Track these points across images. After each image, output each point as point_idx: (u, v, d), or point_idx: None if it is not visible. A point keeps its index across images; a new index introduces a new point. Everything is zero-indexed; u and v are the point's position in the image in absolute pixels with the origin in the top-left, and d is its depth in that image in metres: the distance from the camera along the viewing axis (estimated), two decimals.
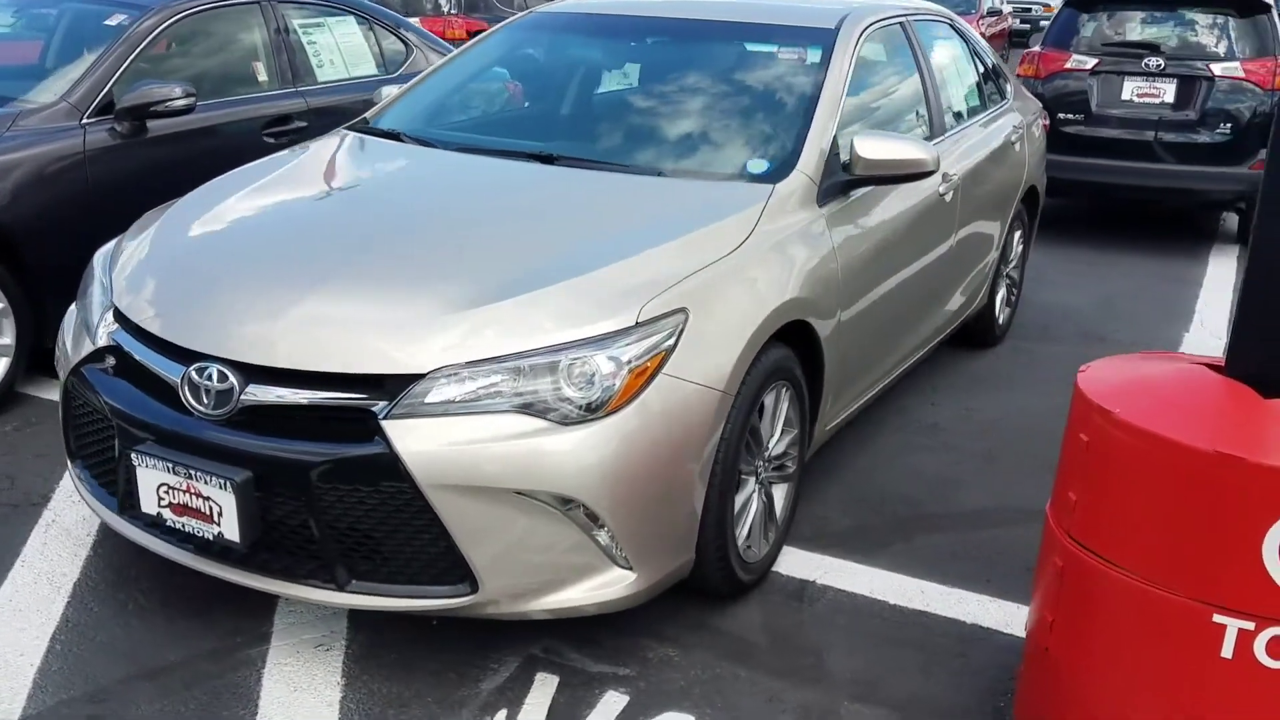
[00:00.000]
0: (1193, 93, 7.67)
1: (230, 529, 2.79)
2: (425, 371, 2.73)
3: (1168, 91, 7.73)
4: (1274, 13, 7.84)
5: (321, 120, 5.57)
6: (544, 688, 2.93)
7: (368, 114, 4.33)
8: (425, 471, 2.66)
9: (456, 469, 2.66)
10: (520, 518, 2.72)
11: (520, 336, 2.79)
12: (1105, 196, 8.06)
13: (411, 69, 6.30)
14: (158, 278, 3.18)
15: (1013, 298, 5.89)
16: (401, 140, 4.03)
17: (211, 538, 2.83)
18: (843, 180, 3.69)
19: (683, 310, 2.93)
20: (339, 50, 5.93)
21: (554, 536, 2.75)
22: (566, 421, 2.71)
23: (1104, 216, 8.73)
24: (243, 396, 2.79)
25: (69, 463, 3.33)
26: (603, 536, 2.78)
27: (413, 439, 2.67)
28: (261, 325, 2.86)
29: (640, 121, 3.93)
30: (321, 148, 4.05)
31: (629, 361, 2.78)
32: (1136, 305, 6.59)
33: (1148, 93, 7.76)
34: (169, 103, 4.72)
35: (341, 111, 5.71)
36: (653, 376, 2.82)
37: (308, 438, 2.76)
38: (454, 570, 2.76)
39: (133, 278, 3.21)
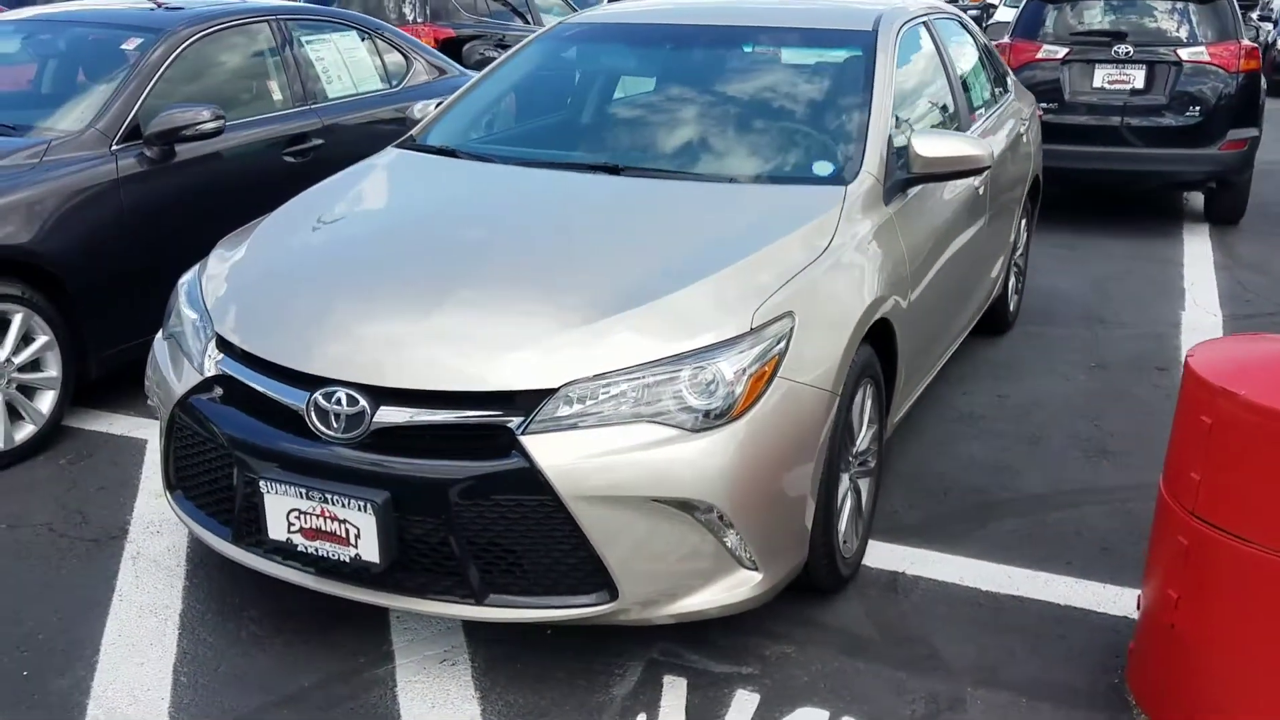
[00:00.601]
0: (1161, 78, 7.93)
1: (369, 550, 2.81)
2: (556, 386, 2.77)
3: (1137, 78, 7.97)
4: None
5: (336, 138, 5.56)
6: (675, 690, 2.99)
7: (414, 131, 4.33)
8: (565, 483, 2.71)
9: (594, 480, 2.72)
10: (654, 524, 2.77)
11: (641, 347, 2.84)
12: (1082, 182, 8.29)
13: (413, 81, 6.30)
14: (263, 303, 3.18)
15: (1020, 285, 6.06)
16: (457, 156, 4.05)
17: (348, 560, 2.85)
18: (903, 179, 3.79)
19: (790, 314, 3.00)
20: (345, 65, 5.91)
21: (686, 541, 2.81)
22: (694, 429, 2.77)
23: (1075, 201, 8.97)
24: (375, 419, 2.81)
25: (167, 494, 3.32)
26: (731, 539, 2.85)
27: (551, 452, 2.72)
28: (388, 347, 2.89)
29: (697, 129, 3.99)
30: (384, 166, 4.06)
31: (748, 367, 2.86)
32: (1126, 286, 6.80)
33: (1118, 79, 8.00)
34: (198, 126, 4.68)
35: (354, 128, 5.71)
36: (769, 381, 2.89)
37: (442, 456, 2.79)
38: (592, 579, 2.81)
39: (235, 305, 3.20)
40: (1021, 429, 4.66)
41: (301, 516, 2.87)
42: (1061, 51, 8.16)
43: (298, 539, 2.90)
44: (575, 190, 3.70)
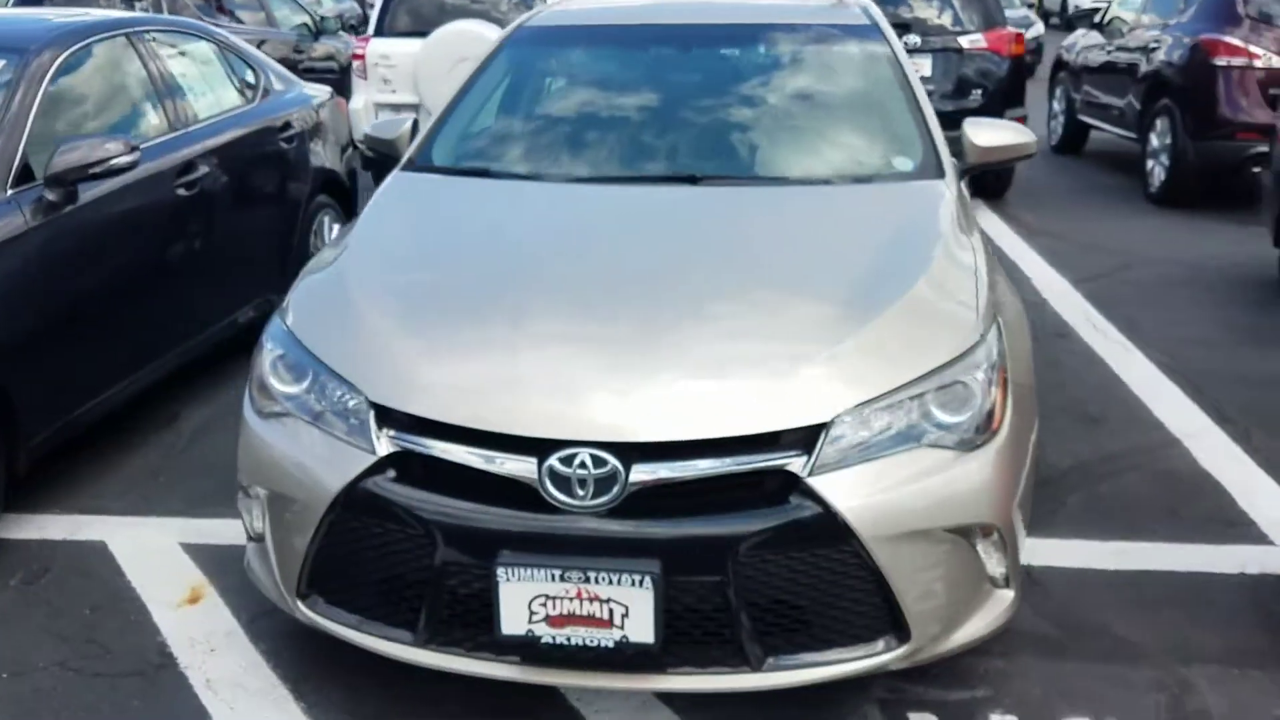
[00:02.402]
0: (947, 65, 8.44)
1: (640, 629, 2.43)
2: (828, 420, 2.51)
3: (925, 66, 8.43)
4: None
5: (221, 165, 4.85)
6: None
7: (410, 153, 3.82)
8: (864, 524, 2.46)
9: (890, 517, 2.49)
10: (939, 555, 2.58)
11: (888, 368, 2.63)
12: None
13: (268, 94, 5.61)
14: (435, 365, 2.67)
15: None
16: (492, 177, 3.63)
17: (611, 644, 2.45)
18: (962, 169, 3.77)
19: (997, 316, 2.90)
20: (205, 81, 5.16)
21: (964, 569, 2.64)
22: (965, 447, 2.60)
23: None
24: (631, 480, 2.44)
25: (294, 601, 2.75)
26: (996, 560, 2.69)
27: (842, 492, 2.46)
28: (629, 397, 2.51)
29: (756, 132, 3.79)
30: (427, 195, 3.61)
31: (991, 376, 2.72)
32: None
33: None
34: (109, 161, 3.91)
35: (235, 153, 5.01)
36: (1005, 386, 2.77)
37: (711, 511, 2.46)
38: (879, 624, 2.57)
39: (391, 370, 2.67)
40: None
41: (549, 602, 2.45)
42: None
43: (542, 629, 2.47)
44: (678, 204, 3.42)
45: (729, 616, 2.47)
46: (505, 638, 2.49)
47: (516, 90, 4.12)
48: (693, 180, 3.50)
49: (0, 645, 3.16)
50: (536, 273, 3.01)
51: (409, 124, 3.99)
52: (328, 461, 2.63)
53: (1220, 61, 8.15)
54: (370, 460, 2.58)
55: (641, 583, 2.40)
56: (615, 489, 2.44)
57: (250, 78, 5.56)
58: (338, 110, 6.30)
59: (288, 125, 5.59)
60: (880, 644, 2.58)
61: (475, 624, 2.56)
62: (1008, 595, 2.76)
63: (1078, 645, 3.13)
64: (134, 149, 4.00)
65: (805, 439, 2.49)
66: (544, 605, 2.45)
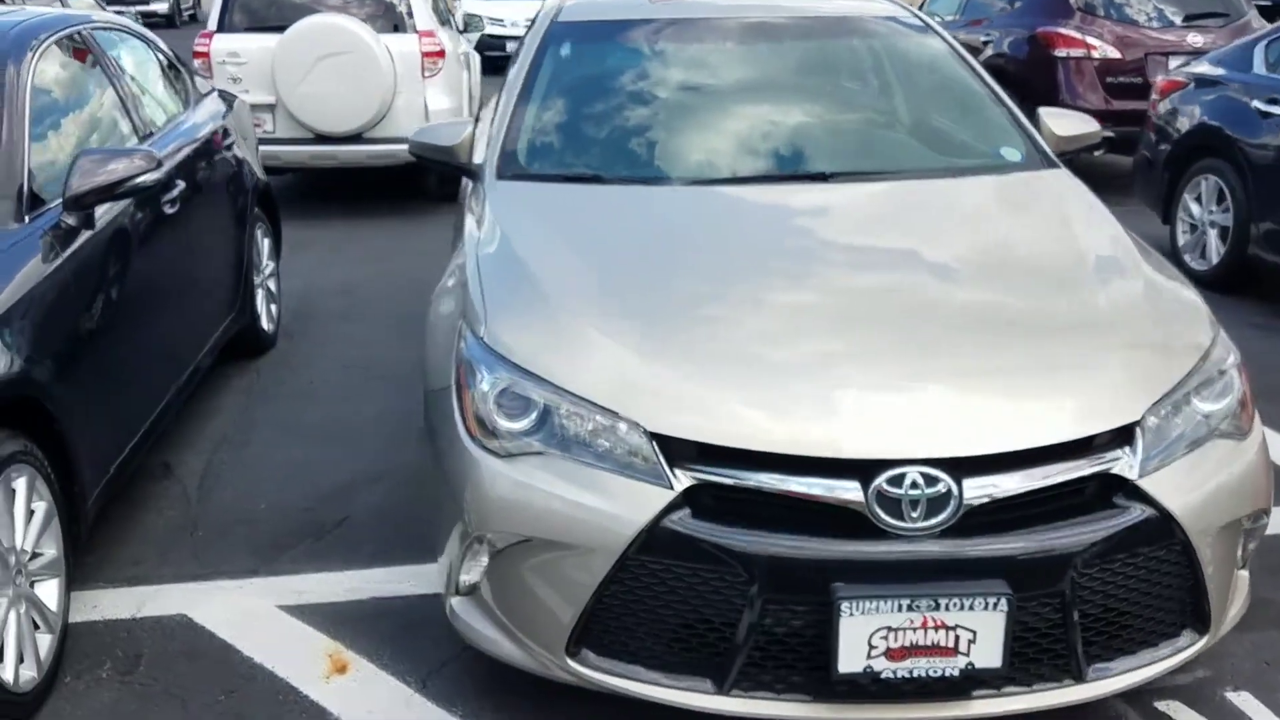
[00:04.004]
0: None
1: (987, 654, 2.33)
2: (1137, 419, 2.48)
3: None
4: None
5: (188, 178, 4.32)
6: (1187, 714, 2.81)
7: (493, 161, 3.52)
8: (1190, 520, 2.46)
9: (1209, 510, 2.50)
10: (1229, 544, 2.61)
11: (1168, 362, 2.64)
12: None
13: (199, 97, 5.06)
14: (712, 388, 2.45)
15: None
16: (609, 183, 3.40)
17: (956, 673, 2.34)
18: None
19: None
20: (151, 84, 4.59)
21: (1234, 554, 2.66)
22: (1240, 435, 2.65)
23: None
24: (965, 497, 2.33)
25: (566, 660, 2.47)
26: (1243, 543, 2.74)
27: (1168, 490, 2.45)
28: (949, 412, 2.41)
29: (859, 126, 3.73)
30: (567, 204, 3.34)
31: (1239, 360, 2.78)
32: None
33: None
34: (137, 180, 3.40)
35: (194, 164, 4.49)
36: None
37: (1043, 523, 2.39)
38: (1185, 619, 2.59)
39: (672, 396, 2.44)
40: None
41: (890, 634, 2.31)
42: None
43: (881, 663, 2.32)
44: (834, 203, 3.32)
45: (1065, 630, 2.40)
46: (841, 677, 2.33)
47: (584, 88, 3.86)
48: (824, 177, 3.40)
49: None
50: (752, 287, 2.82)
51: (470, 129, 3.67)
52: (617, 501, 2.38)
53: (1060, 53, 8.70)
54: (670, 496, 2.36)
55: (996, 605, 2.30)
56: (950, 508, 2.33)
57: (179, 80, 4.99)
58: (246, 113, 5.75)
59: (226, 132, 5.06)
60: (1184, 639, 2.59)
61: (790, 665, 2.39)
62: (1245, 575, 2.82)
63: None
64: (159, 163, 3.50)
65: (1117, 441, 2.46)
66: (885, 638, 2.31)
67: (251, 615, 3.22)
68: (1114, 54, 8.59)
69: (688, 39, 3.97)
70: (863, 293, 2.82)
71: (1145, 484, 2.43)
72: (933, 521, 2.32)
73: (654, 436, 2.40)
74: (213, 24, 8.21)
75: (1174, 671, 2.76)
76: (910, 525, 2.32)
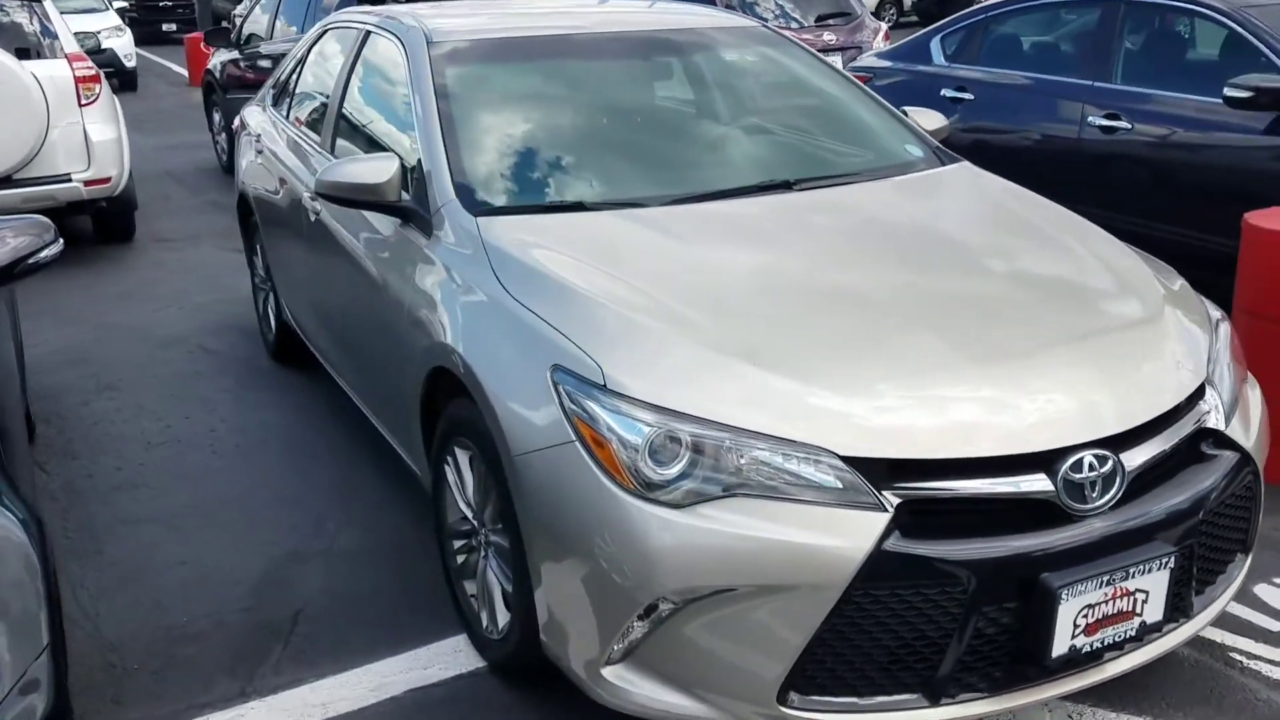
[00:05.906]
0: None
1: (1155, 609, 2.55)
2: (1206, 375, 2.81)
3: None
4: None
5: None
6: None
7: (451, 200, 3.21)
8: (1258, 456, 2.82)
9: (1260, 445, 2.87)
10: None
11: (1197, 332, 2.94)
12: None
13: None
14: (878, 405, 2.43)
15: None
16: (591, 210, 3.21)
17: (1133, 633, 2.53)
18: None
19: None
20: None
21: None
22: (1245, 378, 3.04)
23: None
24: (1128, 470, 2.51)
25: (778, 709, 2.37)
26: None
27: (1240, 434, 2.78)
28: (1094, 393, 2.56)
29: (778, 136, 3.76)
30: (572, 234, 3.09)
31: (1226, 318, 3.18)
32: None
33: None
34: (41, 254, 2.78)
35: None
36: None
37: (1164, 480, 2.62)
38: (1241, 544, 2.88)
39: (843, 416, 2.41)
40: None
41: (1090, 610, 2.44)
42: None
43: (1081, 640, 2.45)
44: (822, 212, 3.33)
45: (1189, 575, 2.65)
46: (1054, 661, 2.43)
47: (513, 112, 3.58)
48: (788, 186, 3.43)
49: None
50: (850, 296, 2.81)
51: (395, 163, 3.32)
52: (828, 531, 2.31)
53: None
54: (886, 519, 2.33)
55: (1165, 563, 2.50)
56: (1118, 482, 2.49)
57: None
58: None
59: None
60: (1238, 561, 2.91)
61: (996, 661, 2.45)
62: None
63: None
64: (57, 235, 2.88)
65: (1195, 398, 2.74)
66: (1085, 615, 2.44)
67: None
68: None
69: (585, 55, 3.85)
70: (949, 289, 2.90)
71: (1231, 431, 2.74)
72: (1107, 497, 2.48)
73: (848, 460, 2.36)
74: None
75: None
76: (1092, 506, 2.46)
